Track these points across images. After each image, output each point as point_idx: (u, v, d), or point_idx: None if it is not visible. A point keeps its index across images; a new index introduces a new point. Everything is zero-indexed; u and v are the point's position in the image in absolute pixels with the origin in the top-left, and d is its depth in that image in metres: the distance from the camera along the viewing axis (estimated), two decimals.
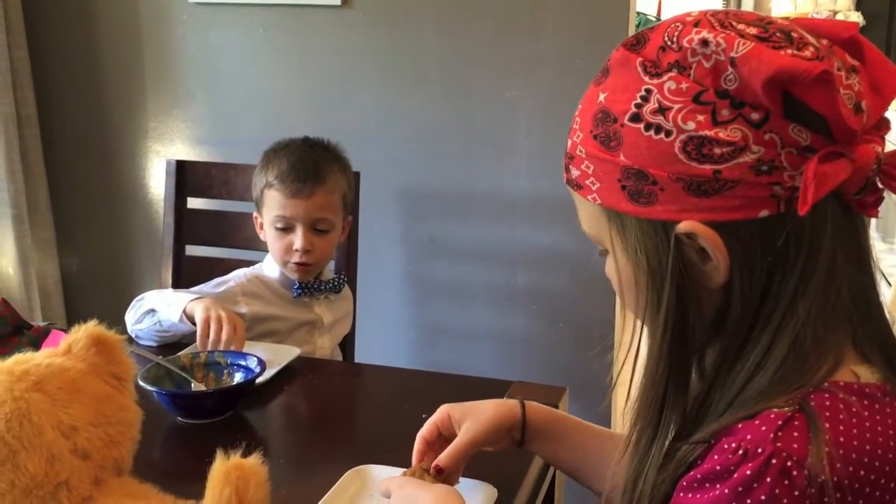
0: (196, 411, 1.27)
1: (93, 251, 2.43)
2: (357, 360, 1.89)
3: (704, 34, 0.65)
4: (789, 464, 0.61)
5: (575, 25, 1.91)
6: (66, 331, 1.00)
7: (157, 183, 2.29)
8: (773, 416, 0.64)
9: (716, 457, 0.65)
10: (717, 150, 0.64)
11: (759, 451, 0.62)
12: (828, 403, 0.64)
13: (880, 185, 0.67)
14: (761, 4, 5.44)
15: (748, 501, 0.61)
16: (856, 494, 0.62)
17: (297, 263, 1.59)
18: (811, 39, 0.66)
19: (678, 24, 0.68)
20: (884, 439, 0.64)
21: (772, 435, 0.62)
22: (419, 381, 1.52)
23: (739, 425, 0.65)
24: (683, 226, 0.67)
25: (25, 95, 2.23)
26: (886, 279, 2.40)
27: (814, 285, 0.66)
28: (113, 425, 0.89)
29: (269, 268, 1.66)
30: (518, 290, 2.08)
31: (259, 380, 1.32)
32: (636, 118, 0.67)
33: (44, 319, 2.22)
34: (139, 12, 2.20)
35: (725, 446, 0.64)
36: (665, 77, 0.66)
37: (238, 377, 1.33)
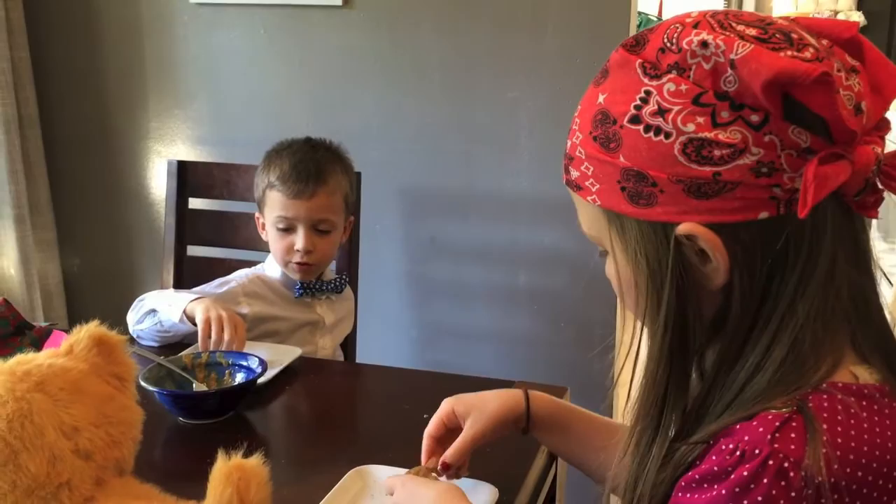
0: (197, 412, 1.27)
1: (94, 251, 2.43)
2: (358, 360, 1.89)
3: (704, 36, 0.65)
4: (786, 465, 0.61)
5: (576, 25, 1.91)
6: (67, 331, 1.00)
7: (158, 183, 2.29)
8: (770, 417, 0.64)
9: (714, 457, 0.65)
10: (717, 152, 0.64)
11: (757, 452, 0.62)
12: (826, 404, 0.64)
13: (880, 186, 0.67)
14: (762, 4, 5.43)
15: (745, 502, 0.61)
16: (853, 495, 0.62)
17: (298, 264, 1.59)
18: (811, 40, 0.66)
19: (678, 25, 0.68)
20: (882, 440, 0.64)
21: (769, 436, 0.62)
22: (420, 381, 1.52)
23: (737, 426, 0.65)
24: (683, 227, 0.66)
25: (27, 96, 2.23)
26: (888, 279, 2.40)
27: (813, 286, 0.66)
28: (114, 426, 0.89)
29: (271, 268, 1.66)
30: (519, 290, 2.08)
31: (260, 380, 1.32)
32: (636, 120, 0.67)
33: (45, 320, 2.23)
34: (140, 13, 2.20)
35: (723, 447, 0.64)
36: (664, 79, 0.66)
37: (239, 377, 1.33)
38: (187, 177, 1.93)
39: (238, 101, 2.18)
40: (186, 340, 1.51)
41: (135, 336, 1.54)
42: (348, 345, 1.83)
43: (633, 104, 0.67)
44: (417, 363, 2.17)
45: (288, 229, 1.58)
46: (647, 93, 0.67)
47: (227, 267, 1.76)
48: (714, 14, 0.68)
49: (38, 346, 1.43)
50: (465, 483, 1.01)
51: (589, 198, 0.72)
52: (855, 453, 0.62)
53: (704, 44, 0.65)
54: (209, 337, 1.39)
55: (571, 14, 1.90)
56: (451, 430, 1.02)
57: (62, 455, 0.83)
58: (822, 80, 0.61)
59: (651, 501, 0.71)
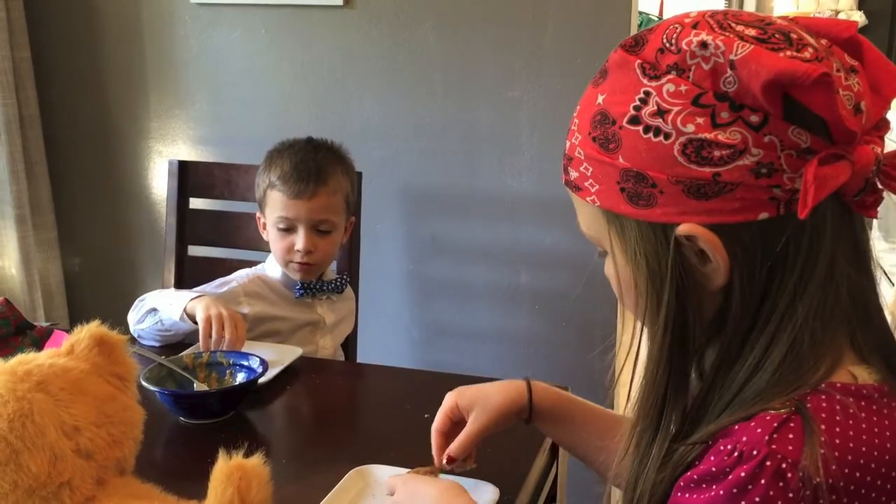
0: (198, 411, 1.27)
1: (95, 251, 2.43)
2: (359, 359, 1.89)
3: (703, 36, 0.65)
4: (784, 466, 0.61)
5: (577, 25, 1.91)
6: (68, 331, 1.00)
7: (159, 183, 2.29)
8: (768, 417, 0.64)
9: (712, 458, 0.65)
10: (717, 153, 0.64)
11: (754, 452, 0.62)
12: (824, 405, 0.64)
13: (880, 186, 0.67)
14: (763, 3, 5.43)
15: (742, 503, 0.61)
16: (851, 496, 0.62)
17: (298, 264, 1.59)
18: (810, 40, 0.66)
19: (677, 25, 0.67)
20: (880, 441, 0.64)
21: (767, 437, 0.62)
22: (421, 380, 1.52)
23: (736, 427, 0.65)
24: (683, 228, 0.66)
25: (28, 96, 2.24)
26: (889, 278, 2.40)
27: (813, 287, 0.66)
28: (115, 425, 0.89)
29: (272, 268, 1.66)
30: (520, 290, 2.08)
31: (261, 380, 1.32)
32: (635, 120, 0.67)
33: (46, 320, 2.23)
34: (141, 13, 2.20)
35: (721, 448, 0.64)
36: (664, 79, 0.66)
37: (240, 377, 1.33)
38: (188, 177, 1.93)
39: (239, 100, 2.18)
40: (187, 340, 1.51)
41: (136, 336, 1.54)
42: (349, 345, 1.83)
43: (632, 105, 0.67)
44: (418, 363, 2.18)
45: (288, 229, 1.59)
46: (647, 93, 0.67)
47: (228, 267, 1.76)
48: (713, 14, 0.68)
49: (39, 345, 1.43)
50: (465, 483, 1.01)
51: (588, 198, 0.72)
52: (853, 454, 0.62)
53: (704, 44, 0.64)
54: (210, 336, 1.40)
55: (572, 13, 1.90)
56: (456, 424, 1.02)
57: (63, 455, 0.83)
58: (822, 81, 0.61)
59: (650, 501, 0.71)
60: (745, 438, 0.63)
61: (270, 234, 1.62)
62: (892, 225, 2.84)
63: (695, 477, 0.65)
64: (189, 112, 2.23)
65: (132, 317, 1.55)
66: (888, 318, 0.73)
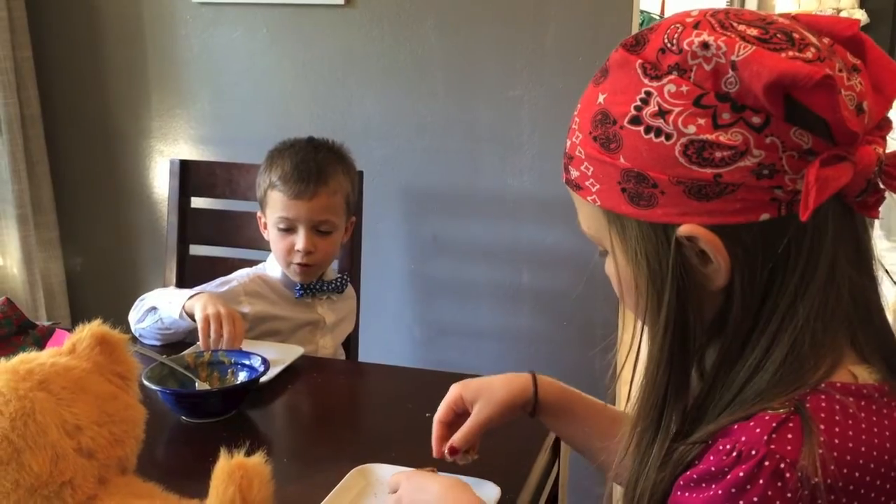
0: (200, 410, 1.27)
1: (97, 251, 2.43)
2: (361, 359, 1.89)
3: (705, 37, 0.64)
4: (782, 466, 0.61)
5: (578, 24, 1.91)
6: (70, 330, 1.00)
7: (160, 182, 2.29)
8: (767, 417, 0.64)
9: (711, 457, 0.65)
10: (718, 154, 0.64)
11: (753, 452, 0.62)
12: (823, 405, 0.64)
13: (882, 186, 0.66)
14: (765, 2, 5.42)
15: (741, 503, 0.61)
16: (849, 496, 0.61)
17: (299, 265, 1.59)
18: (812, 39, 0.65)
19: (678, 25, 0.67)
20: (879, 441, 0.64)
21: (765, 437, 0.62)
22: (423, 379, 1.52)
23: (735, 426, 0.65)
24: (684, 229, 0.66)
25: (29, 95, 2.24)
26: (891, 277, 2.40)
27: (814, 287, 0.66)
28: (117, 424, 0.89)
29: (272, 268, 1.66)
30: (522, 289, 2.08)
31: (263, 379, 1.32)
32: (636, 121, 0.67)
33: (48, 319, 2.23)
34: (143, 12, 2.20)
35: (720, 447, 0.64)
36: (665, 80, 0.66)
37: (242, 376, 1.33)
38: (190, 176, 1.93)
39: (240, 100, 2.18)
40: (188, 339, 1.52)
41: (137, 335, 1.54)
42: (351, 344, 1.83)
43: (633, 105, 0.67)
44: (420, 362, 2.18)
45: (289, 230, 1.58)
46: (648, 94, 0.66)
47: (229, 266, 1.76)
48: (715, 13, 0.67)
49: (40, 345, 1.43)
50: (467, 481, 1.01)
51: (589, 198, 0.72)
52: (852, 454, 0.62)
53: (705, 45, 0.64)
54: (209, 335, 1.40)
55: (573, 12, 1.90)
56: (459, 416, 1.02)
57: (65, 454, 0.83)
58: (825, 83, 0.61)
59: (651, 500, 0.71)
60: (743, 438, 0.63)
61: (271, 235, 1.62)
62: (894, 224, 2.83)
63: (694, 476, 0.65)
64: (190, 111, 2.23)
65: (133, 316, 1.55)
66: (889, 317, 0.73)
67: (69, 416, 0.85)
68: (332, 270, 1.75)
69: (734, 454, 0.63)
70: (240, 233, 1.89)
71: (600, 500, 0.94)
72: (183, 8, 2.16)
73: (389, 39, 2.04)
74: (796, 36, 0.65)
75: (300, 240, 1.57)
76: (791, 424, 0.63)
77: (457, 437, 0.99)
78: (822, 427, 0.62)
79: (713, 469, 0.64)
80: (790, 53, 0.63)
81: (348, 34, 2.06)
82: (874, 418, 0.65)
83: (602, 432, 0.99)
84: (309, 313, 1.66)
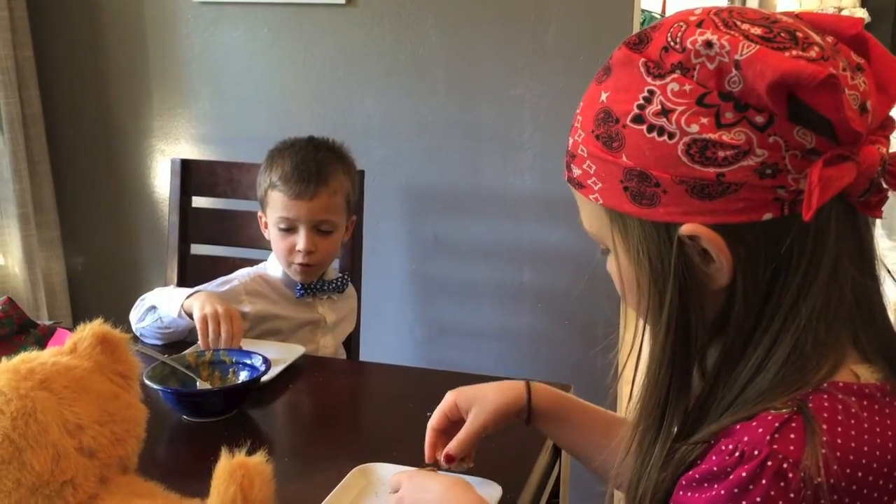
0: (201, 410, 1.27)
1: (98, 250, 2.43)
2: (362, 358, 1.89)
3: (708, 35, 0.64)
4: (785, 466, 0.61)
5: (579, 23, 1.90)
6: (71, 329, 1.00)
7: (162, 182, 2.29)
8: (770, 417, 0.63)
9: (714, 457, 0.65)
10: (721, 153, 0.64)
11: (756, 452, 0.62)
12: (826, 404, 0.64)
13: (885, 186, 0.66)
14: (766, 1, 5.42)
15: (744, 503, 0.61)
16: (852, 496, 0.61)
17: (299, 265, 1.59)
18: (816, 38, 0.65)
19: (681, 23, 0.67)
20: (882, 440, 0.63)
21: (768, 437, 0.62)
22: (424, 379, 1.52)
23: (737, 426, 0.65)
24: (686, 228, 0.66)
25: (31, 95, 2.24)
26: (893, 277, 2.39)
27: (816, 287, 0.66)
28: (118, 423, 0.89)
29: (273, 267, 1.66)
30: (523, 289, 2.08)
31: (264, 378, 1.32)
32: (639, 119, 0.67)
33: (49, 318, 2.23)
34: (144, 11, 2.20)
35: (723, 447, 0.64)
36: (668, 78, 0.66)
37: (243, 375, 1.33)
38: (191, 175, 1.93)
39: (241, 99, 2.18)
40: (189, 339, 1.52)
41: (138, 335, 1.54)
42: (352, 343, 1.83)
43: (636, 104, 0.67)
44: (421, 361, 2.17)
45: (289, 229, 1.58)
46: (651, 92, 0.66)
47: (230, 265, 1.76)
48: (718, 12, 0.67)
49: (41, 344, 1.43)
50: (468, 480, 1.01)
51: (591, 196, 0.71)
52: (855, 454, 0.62)
53: (709, 44, 0.64)
54: (208, 335, 1.40)
55: (574, 11, 1.90)
56: (453, 423, 1.02)
57: (66, 453, 0.83)
58: (828, 82, 0.60)
59: (652, 500, 0.71)
60: (746, 438, 0.63)
61: (272, 234, 1.62)
62: None
63: (696, 476, 0.65)
64: (192, 111, 2.23)
65: (133, 315, 1.55)
66: (892, 317, 0.72)
67: (70, 416, 0.85)
68: (333, 270, 1.75)
69: (737, 454, 0.63)
70: (241, 232, 1.89)
71: (602, 499, 0.94)
72: (184, 7, 2.16)
73: (390, 39, 2.03)
74: (800, 35, 0.65)
75: (301, 240, 1.57)
76: (794, 424, 0.62)
77: (452, 445, 1.00)
78: (824, 427, 0.62)
79: (716, 469, 0.64)
80: (794, 52, 0.63)
81: (349, 33, 2.06)
82: (877, 418, 0.64)
83: (598, 437, 1.00)
84: (310, 313, 1.66)
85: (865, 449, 0.62)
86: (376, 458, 1.10)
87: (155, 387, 1.23)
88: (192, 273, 1.91)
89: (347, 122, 2.08)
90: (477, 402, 1.01)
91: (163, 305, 1.49)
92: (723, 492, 0.62)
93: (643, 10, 3.63)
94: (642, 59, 0.68)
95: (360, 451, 1.14)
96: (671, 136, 0.65)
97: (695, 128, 0.64)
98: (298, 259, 1.58)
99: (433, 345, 2.20)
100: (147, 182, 2.33)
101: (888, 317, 0.72)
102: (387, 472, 1.05)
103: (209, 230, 1.95)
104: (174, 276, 1.92)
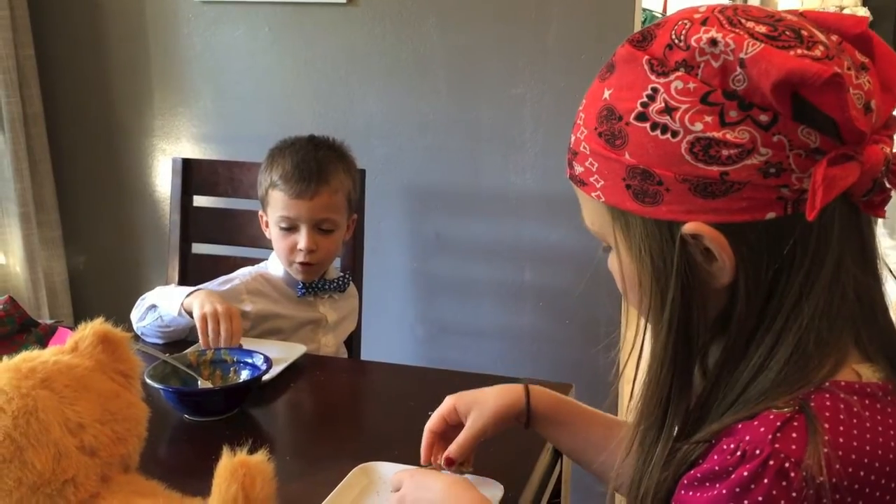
0: (202, 409, 1.27)
1: (100, 249, 2.43)
2: (363, 357, 1.88)
3: (713, 33, 0.64)
4: (787, 465, 0.61)
5: (581, 21, 1.90)
6: (72, 328, 1.00)
7: (163, 181, 2.29)
8: (771, 416, 0.63)
9: (715, 457, 0.65)
10: (725, 152, 0.63)
11: (757, 452, 0.62)
12: (828, 403, 0.64)
13: (888, 186, 0.66)
14: (768, 0, 5.41)
15: (745, 502, 0.61)
16: (855, 495, 0.61)
17: (301, 264, 1.59)
18: (821, 37, 0.65)
19: (686, 21, 0.67)
20: (884, 439, 0.63)
21: (770, 436, 0.62)
22: (426, 378, 1.52)
23: (739, 426, 0.65)
24: (689, 227, 0.66)
25: (32, 94, 2.24)
26: (895, 276, 2.39)
27: (819, 286, 0.66)
28: (120, 422, 0.89)
29: (274, 266, 1.66)
30: (524, 287, 2.08)
31: (265, 377, 1.32)
32: (642, 117, 0.66)
33: (51, 317, 2.23)
34: (145, 10, 2.20)
35: (725, 447, 0.64)
36: (672, 76, 0.65)
37: (244, 374, 1.33)
38: (192, 174, 1.93)
39: (242, 98, 2.18)
40: (190, 338, 1.51)
41: (139, 334, 1.54)
42: (353, 342, 1.83)
43: (639, 101, 0.67)
44: (422, 360, 2.17)
45: (290, 229, 1.58)
46: (655, 90, 0.66)
47: (231, 264, 1.76)
48: (723, 10, 0.67)
49: (43, 343, 1.43)
50: (470, 479, 1.01)
51: (593, 194, 0.71)
52: (857, 453, 0.62)
53: (713, 42, 0.64)
54: (207, 333, 1.40)
55: (576, 10, 1.90)
56: (451, 427, 1.02)
57: (67, 452, 0.83)
58: (833, 81, 0.60)
59: (654, 499, 0.71)
60: (748, 437, 0.63)
61: (273, 233, 1.62)
62: None
63: (698, 476, 0.65)
64: (193, 110, 2.23)
65: (134, 315, 1.55)
66: (894, 316, 0.72)
67: (72, 414, 0.85)
68: (335, 269, 1.75)
69: (738, 453, 0.63)
70: (242, 231, 1.89)
71: (603, 499, 0.94)
72: (185, 6, 2.16)
73: (391, 38, 2.03)
74: (805, 33, 0.64)
75: (302, 239, 1.57)
76: (795, 423, 0.62)
77: (452, 449, 1.00)
78: (826, 426, 0.62)
79: (717, 468, 0.64)
80: (799, 51, 0.63)
81: (350, 32, 2.06)
82: (878, 417, 0.64)
83: (597, 440, 1.00)
84: (311, 312, 1.66)
85: (867, 448, 0.62)
86: (377, 457, 1.10)
87: (156, 386, 1.23)
88: (194, 272, 1.91)
89: (348, 121, 2.08)
90: (476, 406, 1.01)
91: (163, 304, 1.49)
92: (724, 491, 0.62)
93: (644, 10, 3.62)
94: (646, 57, 0.67)
95: (361, 450, 1.14)
96: (675, 134, 0.65)
97: (699, 126, 0.64)
98: (300, 258, 1.58)
99: (434, 344, 2.20)
100: (148, 181, 2.33)
101: (890, 316, 0.72)
102: (388, 470, 1.05)
103: (210, 229, 1.95)
104: (175, 276, 1.92)
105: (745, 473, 0.62)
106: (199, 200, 1.96)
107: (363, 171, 1.80)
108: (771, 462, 0.61)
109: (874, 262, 0.70)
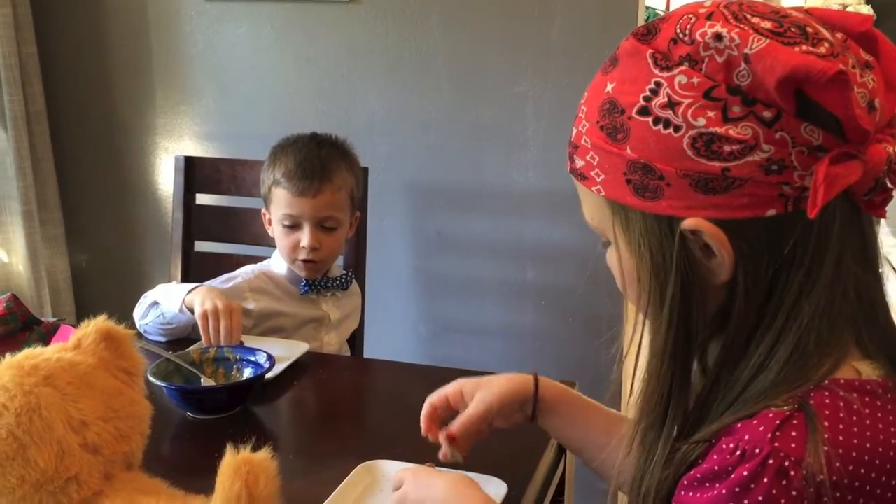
0: (205, 407, 1.27)
1: (102, 247, 2.43)
2: (366, 355, 1.88)
3: (718, 28, 0.64)
4: (786, 464, 0.60)
5: (584, 19, 1.90)
6: (75, 326, 1.00)
7: (165, 179, 2.29)
8: (771, 415, 0.63)
9: (715, 456, 0.64)
10: (727, 148, 0.63)
11: (757, 451, 0.62)
12: (828, 402, 0.63)
13: (890, 186, 0.66)
14: None
15: (746, 502, 0.61)
16: (856, 493, 0.61)
17: (304, 261, 1.59)
18: (826, 34, 0.65)
19: (691, 15, 0.66)
20: (885, 437, 0.63)
21: (769, 435, 0.62)
22: (428, 376, 1.51)
23: (738, 425, 0.65)
24: (689, 223, 0.66)
25: (34, 92, 2.24)
26: None
27: (820, 285, 0.65)
28: (123, 420, 0.89)
29: (277, 264, 1.66)
30: (527, 286, 2.08)
31: (268, 375, 1.32)
32: (644, 111, 0.66)
33: (53, 315, 2.23)
34: (147, 8, 2.20)
35: (724, 446, 0.64)
36: (676, 70, 0.65)
37: (247, 372, 1.33)
38: (194, 172, 1.93)
39: (245, 96, 2.18)
40: (193, 336, 1.51)
41: (142, 332, 1.54)
42: (356, 340, 1.83)
43: (642, 95, 0.66)
44: (425, 358, 2.17)
45: (293, 226, 1.58)
46: (658, 84, 0.66)
47: (234, 262, 1.76)
48: (728, 5, 0.67)
49: (45, 341, 1.43)
50: (473, 478, 1.01)
51: (593, 188, 0.71)
52: (857, 451, 0.62)
53: (718, 36, 0.63)
54: (209, 331, 1.39)
55: (579, 8, 1.90)
56: (453, 410, 1.02)
57: (70, 449, 0.83)
58: (838, 79, 0.60)
59: (656, 498, 0.70)
60: (747, 437, 0.63)
61: (276, 231, 1.61)
62: None
63: (698, 476, 0.65)
64: (195, 108, 2.23)
65: (137, 313, 1.55)
66: (895, 315, 0.72)
67: (75, 412, 0.85)
68: (337, 267, 1.75)
69: (738, 453, 0.63)
70: (245, 229, 1.89)
71: (605, 497, 0.94)
72: (188, 4, 2.16)
73: (394, 35, 2.03)
74: (810, 30, 0.64)
75: (305, 237, 1.57)
76: (795, 422, 0.62)
77: (455, 425, 0.99)
78: (826, 424, 0.62)
79: (717, 468, 0.63)
80: (804, 48, 0.62)
81: (353, 30, 2.05)
82: (879, 414, 0.64)
83: (600, 434, 0.99)
84: (314, 310, 1.66)
85: (868, 446, 0.62)
86: (381, 455, 1.10)
87: (159, 383, 1.23)
88: (196, 270, 1.91)
89: (351, 119, 2.08)
90: (482, 388, 1.01)
91: (165, 301, 1.49)
92: (724, 491, 0.62)
93: (647, 7, 3.61)
94: (650, 51, 0.67)
95: (364, 448, 1.14)
96: (677, 128, 0.65)
97: (701, 121, 0.64)
98: (302, 256, 1.58)
99: (437, 342, 2.20)
100: (151, 179, 2.33)
101: (890, 314, 0.71)
102: (391, 469, 1.05)
103: (213, 227, 1.95)
104: (178, 273, 1.92)
105: (745, 473, 0.61)
106: (202, 198, 1.96)
107: (366, 169, 1.79)
108: (770, 461, 0.61)
109: (875, 261, 0.70)
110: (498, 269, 2.09)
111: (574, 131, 0.73)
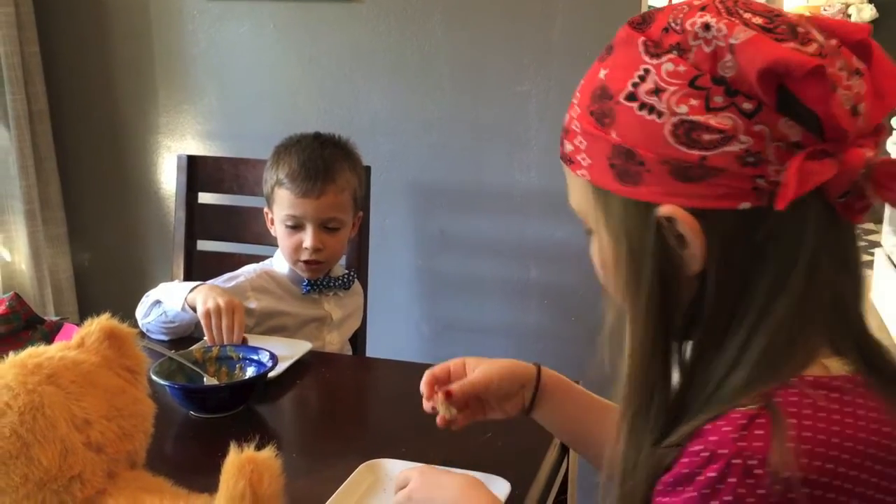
0: (208, 405, 1.27)
1: (105, 246, 2.44)
2: (368, 354, 1.88)
3: (708, 18, 0.65)
4: (751, 462, 0.60)
5: (586, 18, 1.90)
6: (78, 325, 1.00)
7: (168, 178, 2.29)
8: (736, 416, 0.63)
9: (685, 460, 0.64)
10: (706, 137, 0.64)
11: (722, 452, 0.62)
12: (793, 399, 0.63)
13: (869, 194, 0.66)
14: None
15: (714, 503, 0.61)
16: (824, 488, 0.61)
17: (306, 262, 1.58)
18: (818, 37, 0.65)
19: (685, 6, 0.68)
20: (852, 431, 0.63)
21: (734, 435, 0.62)
22: None
23: (707, 427, 0.65)
24: (664, 209, 0.66)
25: (37, 91, 2.24)
26: None
27: (792, 284, 0.65)
28: (126, 418, 0.89)
29: (279, 263, 1.66)
30: (530, 285, 2.08)
31: (271, 374, 1.32)
32: (631, 97, 0.67)
33: (56, 314, 2.23)
34: (150, 8, 2.20)
35: (693, 449, 0.64)
36: (664, 58, 0.66)
37: (250, 371, 1.33)
38: (197, 171, 1.93)
39: (247, 95, 2.18)
40: (196, 335, 1.51)
41: (144, 331, 1.54)
42: (358, 340, 1.83)
43: (630, 81, 0.67)
44: (427, 358, 2.16)
45: (296, 227, 1.58)
46: (646, 71, 0.66)
47: (236, 261, 1.76)
48: (724, 0, 0.67)
49: (48, 339, 1.43)
50: (477, 477, 1.01)
51: (579, 172, 0.71)
52: (823, 446, 0.62)
53: (707, 26, 0.64)
54: (212, 329, 1.39)
55: (581, 7, 1.90)
56: (454, 381, 1.04)
57: (74, 448, 0.83)
58: (817, 73, 0.61)
59: (642, 496, 0.70)
60: (713, 438, 0.63)
61: (278, 231, 1.61)
62: None
63: (670, 480, 0.65)
64: (197, 107, 2.23)
65: (139, 311, 1.55)
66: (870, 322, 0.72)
67: (78, 411, 0.85)
68: (340, 266, 1.74)
69: (704, 455, 0.63)
70: (247, 228, 1.89)
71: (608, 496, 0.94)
72: (190, 3, 2.16)
73: (396, 34, 2.03)
74: (801, 30, 0.65)
75: (308, 237, 1.56)
76: (760, 420, 0.62)
77: (455, 386, 1.01)
78: (792, 421, 0.62)
79: (686, 471, 0.64)
80: (791, 45, 0.63)
81: (355, 29, 2.05)
82: (847, 409, 0.64)
83: (599, 419, 1.01)
84: (316, 309, 1.66)
85: (834, 441, 0.62)
86: (383, 454, 1.10)
87: (162, 382, 1.23)
88: (198, 269, 1.91)
89: (353, 119, 2.08)
90: (486, 362, 1.04)
91: (167, 300, 1.49)
92: (694, 494, 0.62)
93: (649, 6, 3.61)
94: (642, 38, 0.68)
95: (367, 447, 1.14)
96: (660, 115, 0.65)
97: (684, 109, 0.64)
98: (305, 257, 1.58)
99: (440, 341, 2.20)
100: (153, 178, 2.33)
101: (862, 312, 0.71)
102: (394, 467, 1.05)
103: (215, 226, 1.95)
104: (180, 273, 1.92)
105: (712, 474, 0.61)
106: (204, 197, 1.96)
107: (368, 168, 1.79)
108: (736, 461, 0.61)
109: (853, 264, 0.70)
110: (501, 269, 2.09)
111: (567, 117, 0.74)
